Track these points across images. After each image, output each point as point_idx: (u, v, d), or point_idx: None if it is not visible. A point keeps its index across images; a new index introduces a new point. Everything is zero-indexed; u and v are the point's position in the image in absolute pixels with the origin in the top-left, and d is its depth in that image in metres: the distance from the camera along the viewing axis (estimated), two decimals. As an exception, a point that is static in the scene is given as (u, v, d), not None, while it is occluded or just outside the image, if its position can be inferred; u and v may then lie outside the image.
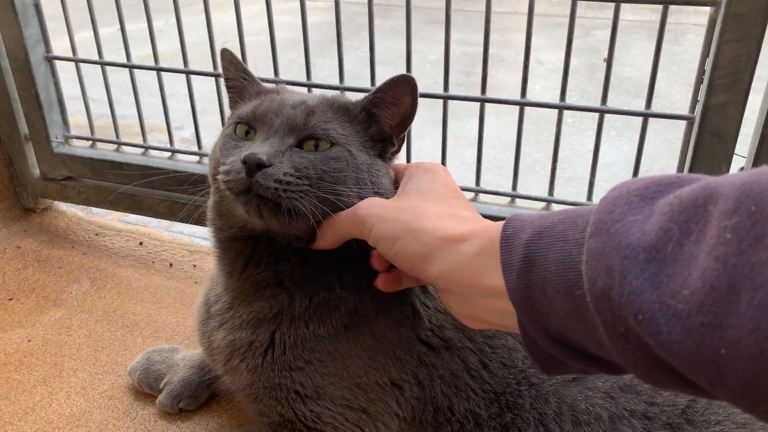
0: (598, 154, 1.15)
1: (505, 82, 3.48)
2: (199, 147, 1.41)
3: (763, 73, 1.07)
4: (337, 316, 0.77)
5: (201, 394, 1.01)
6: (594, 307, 0.43)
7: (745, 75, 0.96)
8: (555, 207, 1.21)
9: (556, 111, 1.14)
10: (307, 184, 0.69)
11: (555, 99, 1.14)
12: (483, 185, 1.25)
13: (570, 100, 1.12)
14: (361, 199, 0.70)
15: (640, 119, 1.10)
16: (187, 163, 1.40)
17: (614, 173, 2.48)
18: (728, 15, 0.94)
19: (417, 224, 0.63)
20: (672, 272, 0.39)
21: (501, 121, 2.78)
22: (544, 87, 3.41)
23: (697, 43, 4.22)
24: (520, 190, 1.23)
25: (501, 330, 0.80)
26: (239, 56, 1.24)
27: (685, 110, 1.06)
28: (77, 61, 1.42)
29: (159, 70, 1.35)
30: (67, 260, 1.41)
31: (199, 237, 1.57)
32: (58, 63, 1.44)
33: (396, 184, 0.79)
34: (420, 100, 1.21)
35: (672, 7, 1.01)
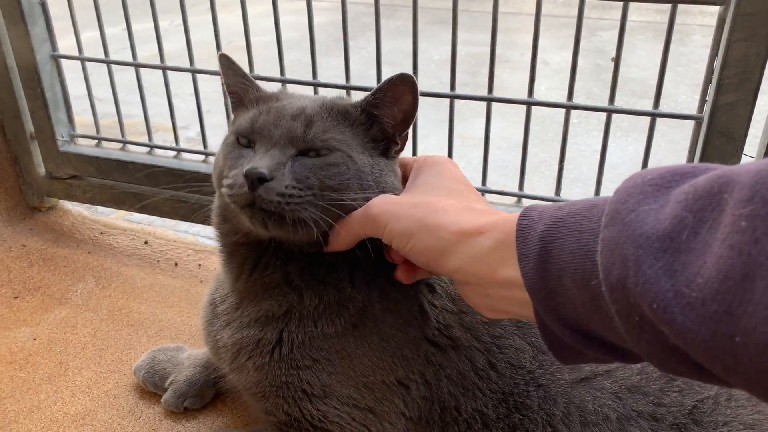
0: (605, 154, 1.15)
1: (510, 82, 3.48)
2: (205, 146, 1.41)
3: (771, 72, 1.06)
4: (347, 315, 0.77)
5: (206, 393, 1.01)
6: (609, 297, 0.43)
7: (755, 74, 0.96)
8: (561, 207, 1.21)
9: (561, 111, 1.14)
10: (310, 193, 0.69)
11: (560, 99, 1.13)
12: (488, 185, 1.24)
13: (575, 100, 1.12)
14: (368, 201, 0.70)
15: (645, 120, 1.09)
16: (192, 162, 1.40)
17: (620, 174, 2.47)
18: (737, 14, 0.93)
19: (432, 219, 0.62)
20: (686, 261, 0.39)
21: (506, 121, 2.77)
22: (549, 87, 3.41)
23: (703, 43, 4.21)
24: (526, 191, 1.22)
25: (518, 323, 0.80)
26: (246, 57, 1.25)
27: (691, 111, 1.05)
28: (83, 60, 1.42)
29: (165, 68, 1.35)
30: (72, 259, 1.41)
31: (204, 236, 1.57)
32: (63, 62, 1.44)
33: (404, 176, 0.79)
34: (426, 100, 1.22)
35: (678, 8, 1.01)
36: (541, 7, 1.05)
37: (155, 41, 1.31)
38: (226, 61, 0.83)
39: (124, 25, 1.32)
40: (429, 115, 2.38)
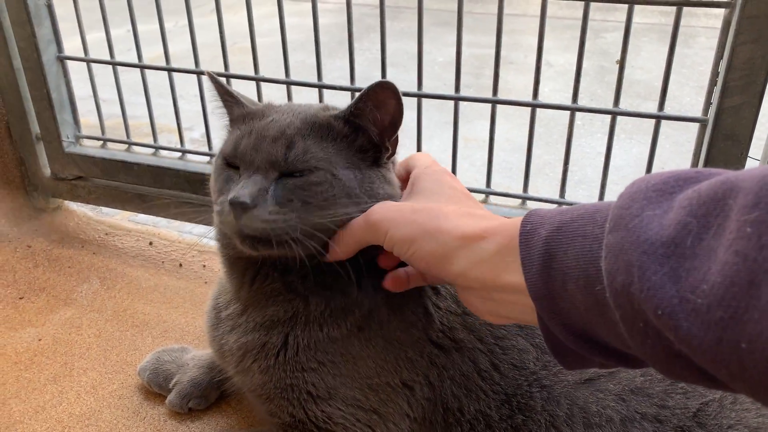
0: (610, 156, 1.14)
1: (514, 84, 3.48)
2: (210, 147, 1.42)
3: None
4: (353, 319, 0.77)
5: (210, 393, 1.01)
6: (613, 302, 0.43)
7: (760, 77, 0.96)
8: (566, 209, 1.21)
9: (565, 113, 1.14)
10: (295, 216, 0.69)
11: (564, 101, 1.13)
12: (492, 187, 1.24)
13: (580, 102, 1.12)
14: (362, 213, 0.70)
15: (649, 122, 1.09)
16: (197, 163, 1.41)
17: (624, 176, 2.47)
18: (743, 17, 0.93)
19: (434, 224, 0.62)
20: (691, 266, 0.39)
21: (510, 123, 2.77)
22: (553, 89, 3.41)
23: (707, 46, 4.20)
24: (530, 193, 1.22)
25: (521, 324, 0.80)
26: (251, 58, 1.26)
27: (695, 113, 1.05)
28: (89, 61, 1.43)
29: (170, 70, 1.36)
30: (77, 260, 1.41)
31: (209, 237, 1.57)
32: (69, 63, 1.44)
33: (405, 176, 0.78)
34: (429, 102, 1.22)
35: (683, 10, 1.00)
36: (546, 8, 1.05)
37: (159, 43, 1.31)
38: (211, 80, 0.83)
39: (128, 27, 1.32)
40: (433, 117, 2.38)
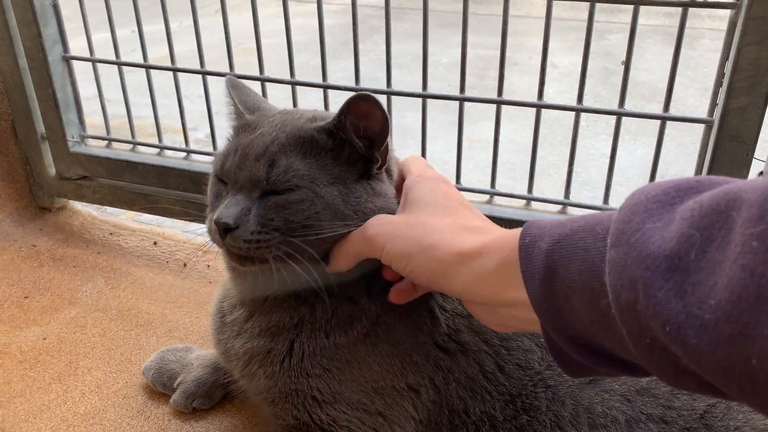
0: (614, 157, 1.14)
1: (518, 85, 3.48)
2: (214, 147, 1.42)
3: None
4: (359, 326, 0.77)
5: (215, 393, 1.01)
6: (619, 318, 0.43)
7: (766, 78, 0.95)
8: (571, 210, 1.21)
9: (569, 115, 1.13)
10: (277, 234, 0.69)
11: (568, 102, 1.13)
12: (497, 188, 1.24)
13: (584, 104, 1.11)
14: (349, 228, 0.70)
15: (654, 124, 1.09)
16: (202, 163, 1.41)
17: (629, 177, 2.47)
18: (749, 17, 0.93)
19: (430, 240, 0.62)
20: (696, 281, 0.38)
21: (514, 124, 2.77)
22: (557, 91, 3.40)
23: (711, 47, 4.19)
24: (535, 194, 1.22)
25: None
26: (256, 59, 1.26)
27: (700, 115, 1.05)
28: (94, 61, 1.43)
29: (175, 70, 1.36)
30: (82, 259, 1.42)
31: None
32: (75, 63, 1.45)
33: (399, 183, 0.78)
34: (434, 103, 1.22)
35: (688, 11, 1.00)
36: (551, 10, 1.05)
37: (163, 43, 1.32)
38: (229, 83, 0.85)
39: (134, 27, 1.32)
40: (437, 118, 2.38)
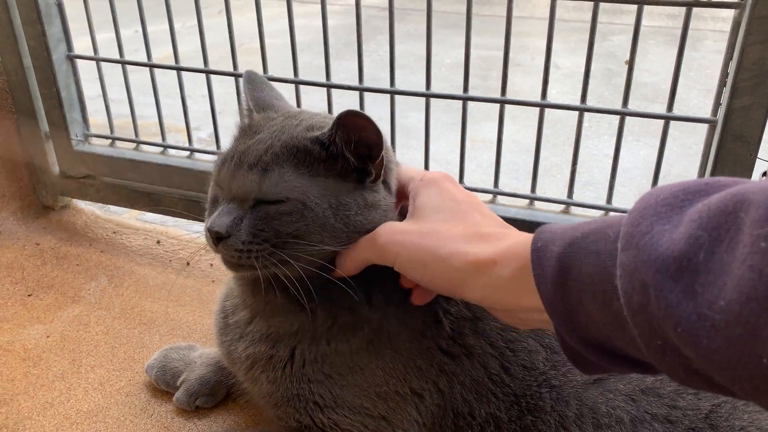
0: (618, 157, 1.14)
1: (521, 86, 3.48)
2: (218, 146, 1.42)
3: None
4: (361, 335, 0.77)
5: (218, 392, 1.01)
6: (631, 321, 0.43)
7: (770, 78, 0.95)
8: (574, 210, 1.21)
9: (572, 115, 1.13)
10: (268, 245, 0.70)
11: (572, 103, 1.13)
12: (500, 188, 1.24)
13: (587, 104, 1.11)
14: (340, 242, 0.70)
15: (657, 124, 1.09)
16: (205, 162, 1.41)
17: (631, 178, 2.47)
18: (753, 17, 0.93)
19: (444, 251, 0.62)
20: (705, 281, 0.39)
21: (517, 124, 2.77)
22: (560, 91, 3.40)
23: (714, 48, 4.19)
24: (538, 194, 1.22)
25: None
26: (260, 59, 1.26)
27: (703, 115, 1.05)
28: (98, 60, 1.43)
29: (179, 69, 1.36)
30: (86, 257, 1.42)
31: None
32: (78, 62, 1.45)
33: (400, 191, 0.78)
34: (437, 103, 1.22)
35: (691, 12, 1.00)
36: (555, 10, 1.05)
37: (167, 43, 1.32)
38: (246, 77, 0.85)
39: (138, 27, 1.32)
40: (440, 118, 2.38)
